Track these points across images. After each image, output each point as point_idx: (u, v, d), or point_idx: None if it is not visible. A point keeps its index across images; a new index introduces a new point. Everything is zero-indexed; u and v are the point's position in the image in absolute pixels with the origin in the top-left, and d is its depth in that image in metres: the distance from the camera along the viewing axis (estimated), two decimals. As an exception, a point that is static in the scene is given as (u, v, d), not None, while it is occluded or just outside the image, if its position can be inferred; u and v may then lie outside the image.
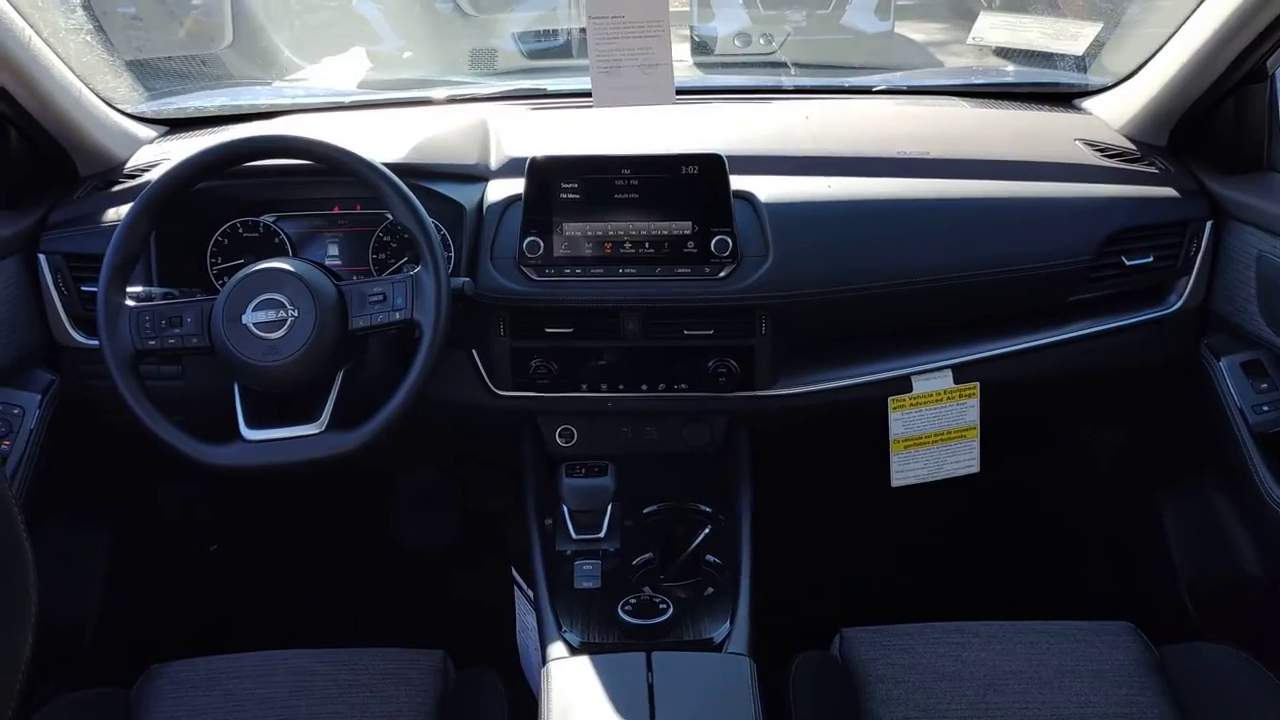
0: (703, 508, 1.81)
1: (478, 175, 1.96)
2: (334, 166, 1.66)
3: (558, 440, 1.97)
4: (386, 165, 1.68)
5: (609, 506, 1.73)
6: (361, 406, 1.67)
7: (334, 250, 1.98)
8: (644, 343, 1.86)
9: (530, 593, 1.71)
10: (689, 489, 1.90)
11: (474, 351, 1.90)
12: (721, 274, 1.82)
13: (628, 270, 1.83)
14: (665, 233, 1.82)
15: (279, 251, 1.96)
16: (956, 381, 1.91)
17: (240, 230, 1.96)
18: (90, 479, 2.09)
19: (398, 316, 1.63)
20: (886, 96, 2.36)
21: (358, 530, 2.62)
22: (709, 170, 1.79)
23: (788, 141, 2.03)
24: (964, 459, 1.98)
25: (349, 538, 2.60)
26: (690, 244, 1.82)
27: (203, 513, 2.41)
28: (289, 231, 1.96)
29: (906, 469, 1.96)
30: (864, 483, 2.02)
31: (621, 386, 1.89)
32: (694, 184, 1.80)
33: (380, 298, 1.64)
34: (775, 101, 2.31)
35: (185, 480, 1.60)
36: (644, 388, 1.88)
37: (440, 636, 1.71)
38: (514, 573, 1.83)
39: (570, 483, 1.71)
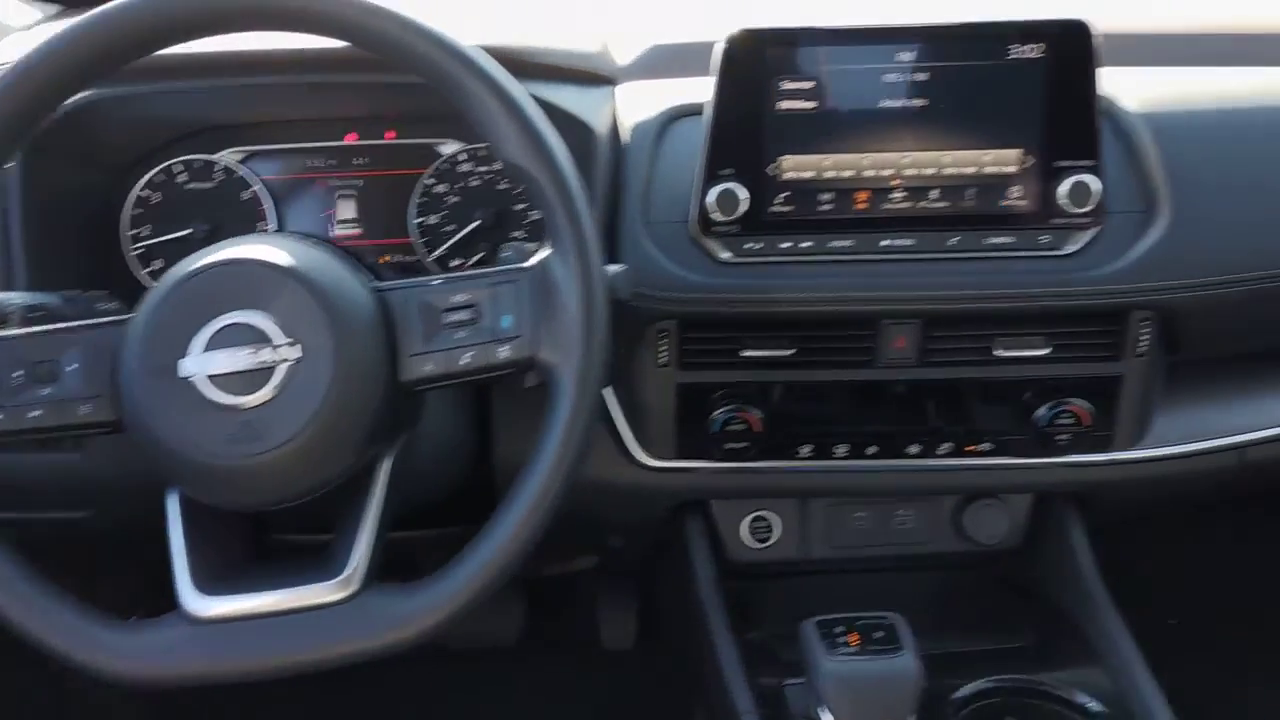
0: (1078, 699, 0.99)
1: (602, 75, 1.11)
2: (394, 53, 0.80)
3: (746, 539, 1.15)
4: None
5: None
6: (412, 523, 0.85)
7: (348, 212, 1.13)
8: (921, 373, 1.04)
9: None
10: (987, 627, 1.09)
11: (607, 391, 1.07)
12: (1071, 247, 0.99)
13: (900, 242, 1.00)
14: (971, 171, 0.98)
15: (251, 215, 1.11)
16: None
17: (181, 179, 1.10)
18: None
19: (506, 354, 0.79)
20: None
21: None
22: (1064, 52, 0.95)
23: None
24: None
25: None
26: (1016, 191, 0.98)
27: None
28: (268, 180, 1.11)
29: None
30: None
31: (875, 449, 1.06)
32: (1031, 79, 0.96)
33: (469, 315, 0.80)
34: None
35: None
36: (913, 450, 1.06)
37: None
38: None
39: (836, 670, 0.88)
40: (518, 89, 0.80)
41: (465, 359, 0.80)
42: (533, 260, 0.81)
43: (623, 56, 1.14)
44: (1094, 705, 0.96)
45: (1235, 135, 1.02)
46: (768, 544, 1.14)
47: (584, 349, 0.78)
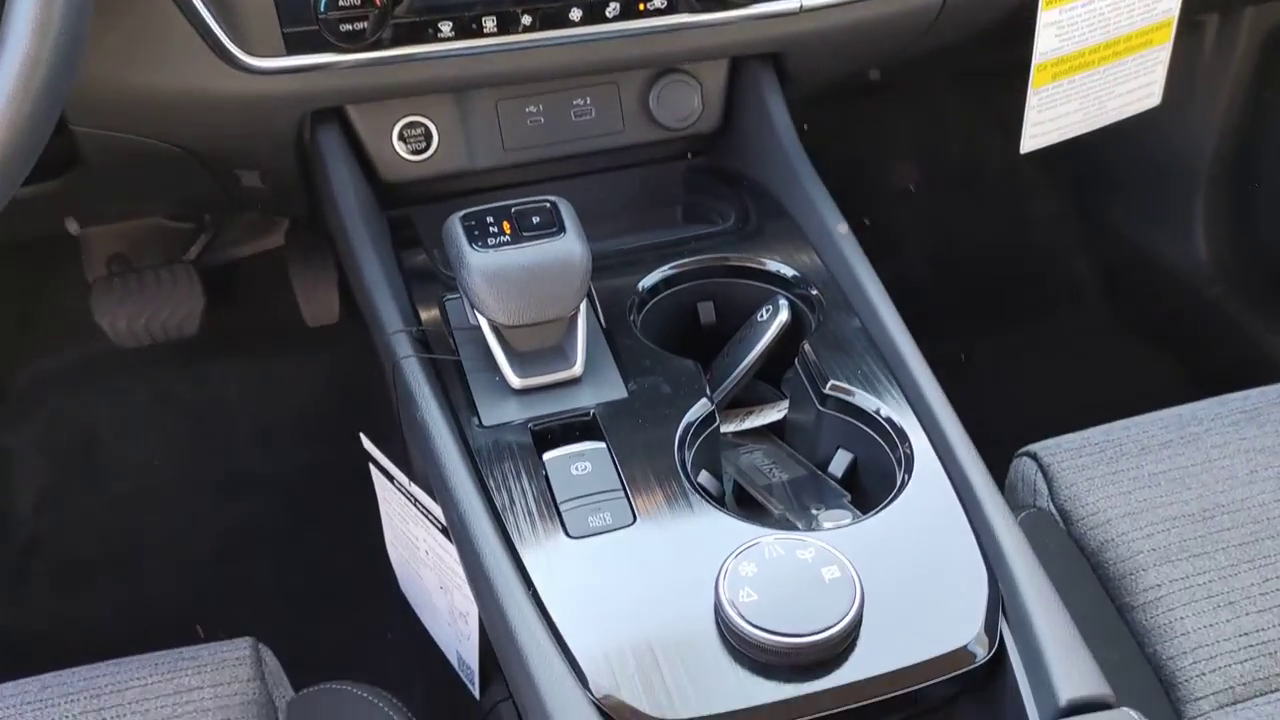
0: (771, 268, 0.88)
1: None
2: None
3: (399, 150, 0.96)
4: None
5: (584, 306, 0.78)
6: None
7: None
8: (568, -88, 0.84)
9: (436, 512, 0.79)
10: (683, 219, 0.98)
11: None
12: None
13: None
14: None
15: None
16: (1159, -65, 1.01)
17: None
18: None
19: None
20: None
21: None
22: None
23: None
24: (1140, 85, 1.11)
25: None
26: None
27: None
28: None
29: (1050, 117, 1.08)
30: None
31: (530, 20, 0.88)
32: None
33: None
34: None
35: None
36: (576, 16, 0.88)
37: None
38: (370, 447, 0.90)
39: (483, 263, 0.74)
40: None
41: None
42: None
43: None
44: (788, 271, 0.87)
45: None
46: (425, 155, 0.96)
47: None
